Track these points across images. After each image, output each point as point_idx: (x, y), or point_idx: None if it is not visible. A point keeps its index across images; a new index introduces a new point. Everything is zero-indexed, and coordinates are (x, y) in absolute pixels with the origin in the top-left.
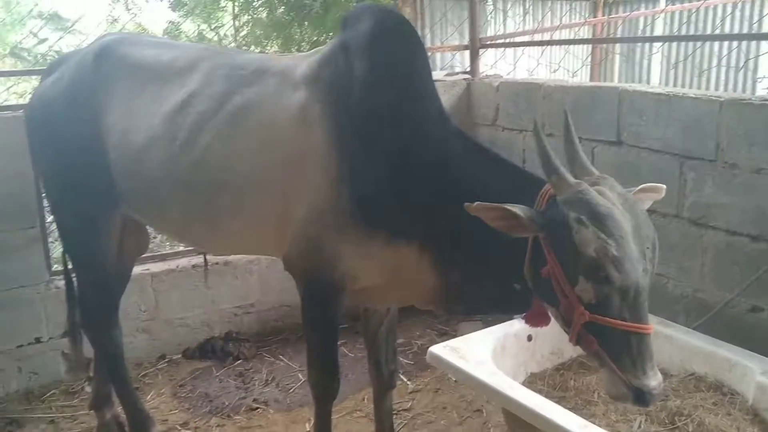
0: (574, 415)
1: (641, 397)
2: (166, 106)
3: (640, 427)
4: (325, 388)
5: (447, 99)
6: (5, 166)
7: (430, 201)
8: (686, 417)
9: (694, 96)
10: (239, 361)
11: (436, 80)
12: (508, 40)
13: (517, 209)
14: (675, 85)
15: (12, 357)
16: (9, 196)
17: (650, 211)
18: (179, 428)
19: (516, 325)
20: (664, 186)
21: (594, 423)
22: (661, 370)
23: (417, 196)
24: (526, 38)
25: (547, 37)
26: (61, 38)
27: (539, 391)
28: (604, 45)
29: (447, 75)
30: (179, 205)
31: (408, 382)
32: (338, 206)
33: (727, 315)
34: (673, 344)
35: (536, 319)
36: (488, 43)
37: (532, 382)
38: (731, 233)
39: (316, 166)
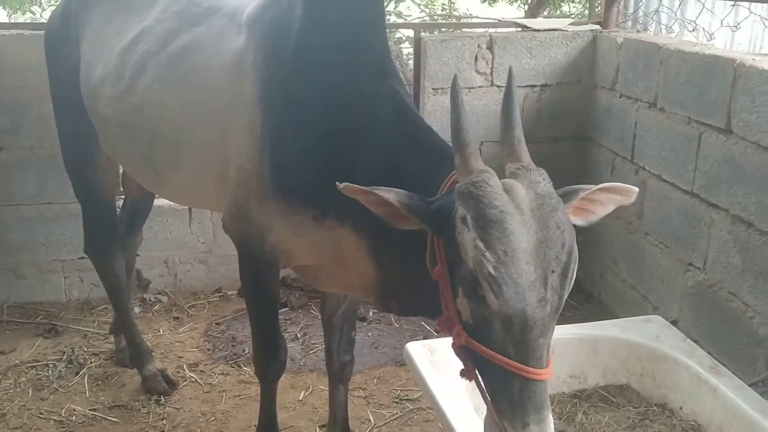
0: None
1: None
2: (123, 41)
3: None
4: (262, 366)
5: (565, 53)
6: None
7: (356, 178)
8: None
9: None
10: (285, 309)
11: (554, 29)
12: None
13: (391, 195)
14: None
15: (74, 267)
16: None
17: (744, 223)
18: (185, 368)
19: None
20: (636, 189)
21: None
22: (698, 428)
23: (341, 171)
24: None
25: None
26: None
27: None
28: None
29: (572, 24)
30: (125, 148)
31: None
32: (261, 172)
33: None
34: (717, 399)
35: (446, 326)
36: None
37: None
38: None
39: (243, 123)
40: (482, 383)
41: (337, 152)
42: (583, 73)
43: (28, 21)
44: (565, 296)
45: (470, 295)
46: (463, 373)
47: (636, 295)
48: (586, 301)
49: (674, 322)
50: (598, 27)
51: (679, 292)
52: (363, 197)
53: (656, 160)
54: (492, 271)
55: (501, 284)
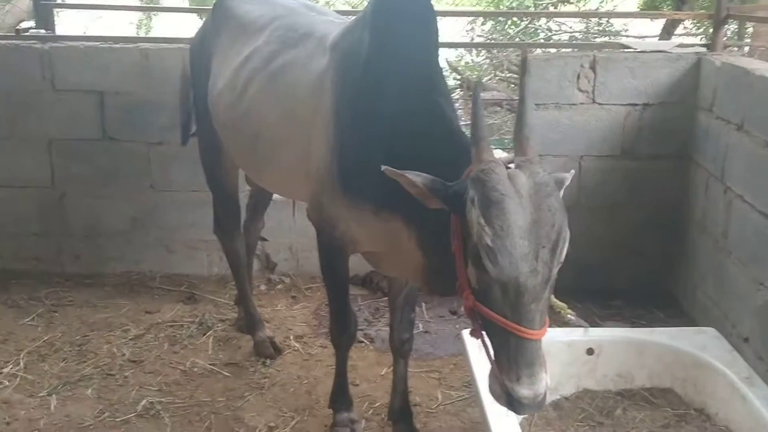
0: None
1: (511, 403)
2: (238, 60)
3: None
4: (335, 335)
5: (668, 74)
6: None
7: None
8: None
9: None
10: (385, 297)
11: (659, 51)
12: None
13: (417, 178)
14: None
15: (215, 246)
16: None
17: None
18: (291, 339)
19: (572, 335)
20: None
21: None
22: None
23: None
24: None
25: None
26: None
27: (580, 410)
28: None
29: (679, 46)
30: (236, 148)
31: None
32: (332, 172)
33: None
34: (746, 407)
35: (459, 291)
36: (738, 14)
37: (579, 397)
38: None
39: (322, 131)
40: (487, 342)
41: (389, 157)
42: (686, 94)
43: None
44: (555, 269)
45: (476, 264)
46: (471, 333)
47: (718, 312)
48: (676, 316)
49: (746, 340)
50: (704, 49)
51: (752, 310)
52: (399, 179)
53: (740, 180)
54: (490, 243)
55: (497, 254)
